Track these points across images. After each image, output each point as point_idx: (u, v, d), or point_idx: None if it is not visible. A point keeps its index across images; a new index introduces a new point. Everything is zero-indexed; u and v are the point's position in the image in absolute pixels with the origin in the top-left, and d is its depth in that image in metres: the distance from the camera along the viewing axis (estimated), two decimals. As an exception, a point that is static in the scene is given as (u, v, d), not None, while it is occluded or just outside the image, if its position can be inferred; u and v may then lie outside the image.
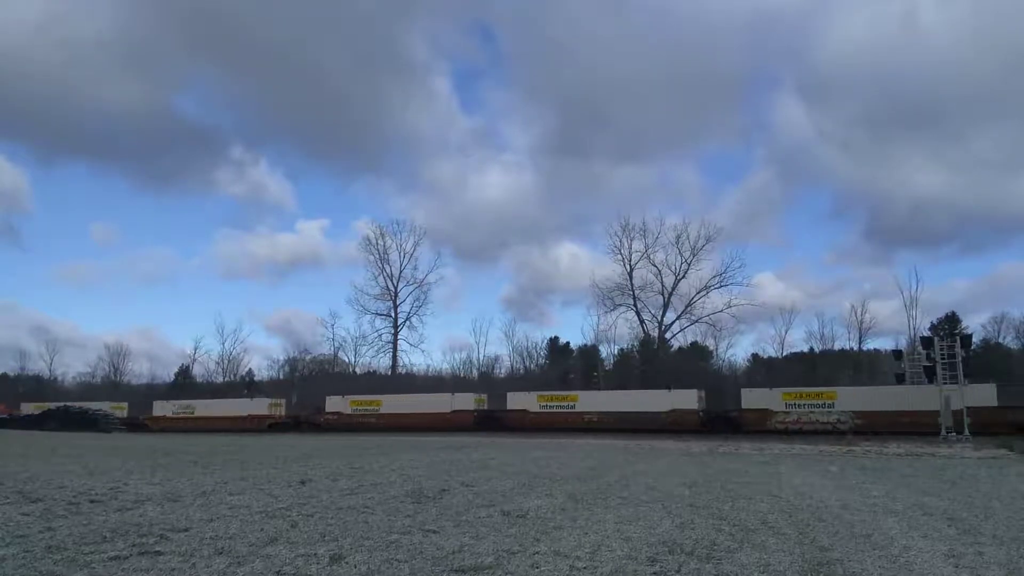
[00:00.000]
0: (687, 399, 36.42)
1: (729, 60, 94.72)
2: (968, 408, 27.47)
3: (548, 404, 40.44)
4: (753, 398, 36.46)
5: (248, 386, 66.77)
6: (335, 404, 45.51)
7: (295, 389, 59.96)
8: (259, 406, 47.95)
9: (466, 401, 42.98)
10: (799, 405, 34.93)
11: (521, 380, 61.12)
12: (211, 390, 66.99)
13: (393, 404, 44.56)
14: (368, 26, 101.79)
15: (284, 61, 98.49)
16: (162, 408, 50.93)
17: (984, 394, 29.62)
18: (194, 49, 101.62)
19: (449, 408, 41.50)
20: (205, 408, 50.12)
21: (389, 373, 65.60)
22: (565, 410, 39.60)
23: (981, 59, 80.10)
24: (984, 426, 27.42)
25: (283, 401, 49.96)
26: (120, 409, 51.54)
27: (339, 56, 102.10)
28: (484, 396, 45.27)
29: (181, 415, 49.68)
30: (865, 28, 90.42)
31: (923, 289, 54.58)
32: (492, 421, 40.56)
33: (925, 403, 29.62)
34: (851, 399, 34.24)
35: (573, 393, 42.84)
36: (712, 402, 39.47)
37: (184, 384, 72.34)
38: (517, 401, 41.68)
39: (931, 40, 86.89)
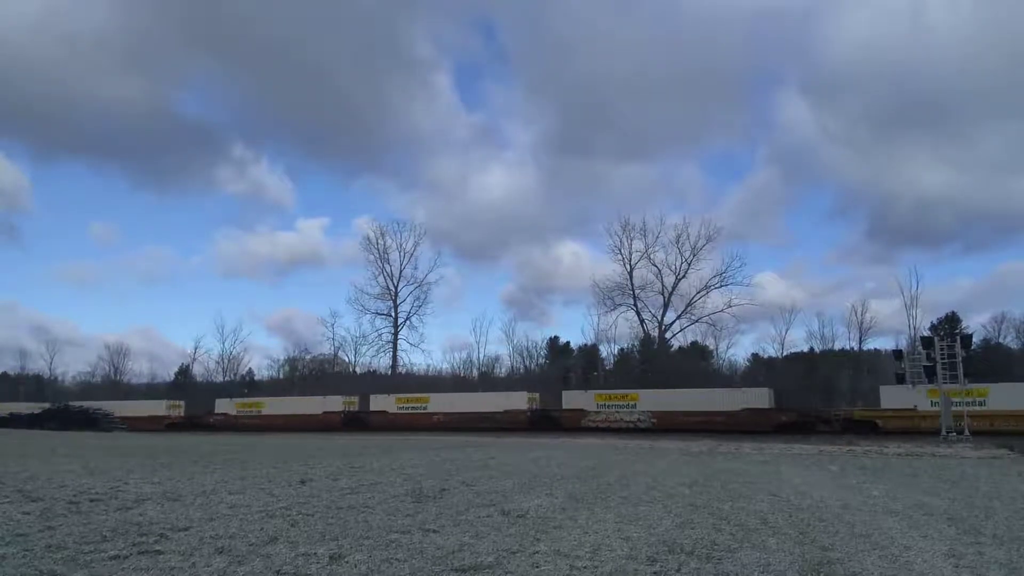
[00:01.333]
0: (519, 401, 41.33)
1: (733, 57, 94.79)
2: (748, 409, 35.24)
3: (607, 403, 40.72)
4: (571, 399, 41.59)
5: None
6: (223, 406, 49.49)
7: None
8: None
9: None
10: (608, 406, 39.68)
11: (520, 380, 61.18)
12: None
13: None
14: (369, 22, 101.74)
15: (285, 58, 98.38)
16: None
17: (761, 396, 36.77)
18: (194, 46, 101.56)
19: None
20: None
21: (389, 372, 65.62)
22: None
23: (988, 56, 79.53)
24: (756, 423, 34.08)
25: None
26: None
27: (340, 52, 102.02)
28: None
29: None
30: (870, 24, 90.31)
31: (926, 289, 54.87)
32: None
33: (713, 404, 36.50)
34: (649, 401, 38.88)
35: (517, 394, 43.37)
36: (549, 403, 43.60)
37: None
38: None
39: (937, 37, 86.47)
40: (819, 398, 50.63)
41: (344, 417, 44.68)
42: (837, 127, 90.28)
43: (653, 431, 35.43)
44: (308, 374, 72.48)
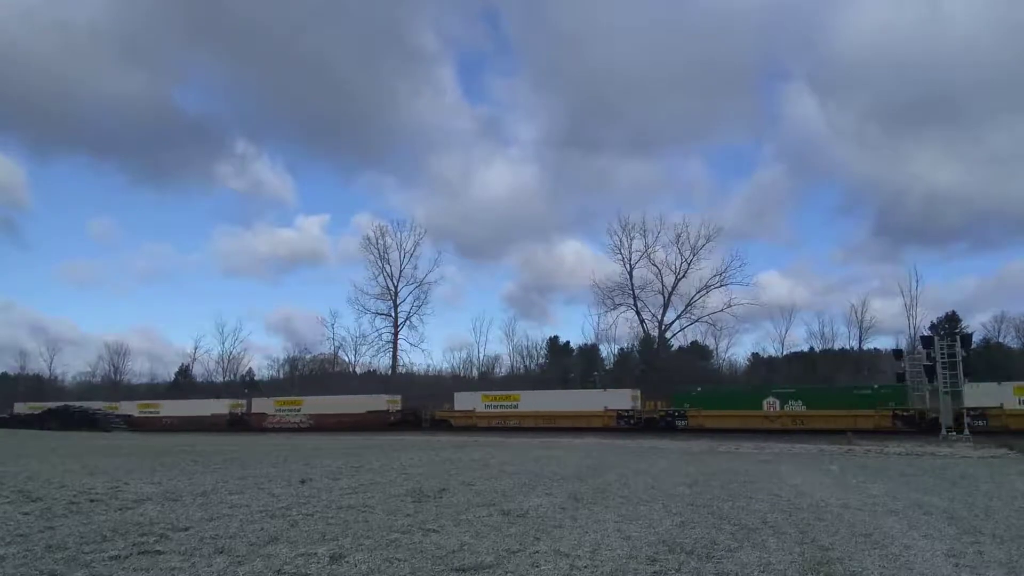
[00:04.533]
0: (378, 402, 45.23)
1: (741, 50, 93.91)
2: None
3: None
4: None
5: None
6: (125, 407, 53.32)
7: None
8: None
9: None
10: (281, 411, 47.28)
11: (520, 379, 61.19)
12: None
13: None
14: (372, 14, 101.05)
15: (285, 51, 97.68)
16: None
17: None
18: (193, 39, 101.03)
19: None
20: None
21: (389, 372, 65.62)
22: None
23: (1006, 48, 78.18)
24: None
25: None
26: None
27: (342, 45, 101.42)
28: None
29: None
30: (883, 14, 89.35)
31: (932, 287, 54.78)
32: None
33: (353, 407, 43.99)
34: (310, 406, 46.72)
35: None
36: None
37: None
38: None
39: (954, 27, 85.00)
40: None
41: (230, 419, 48.32)
42: (845, 122, 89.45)
43: (312, 430, 42.83)
44: (308, 374, 72.48)
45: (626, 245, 61.03)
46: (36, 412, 51.10)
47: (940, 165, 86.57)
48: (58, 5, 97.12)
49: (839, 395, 36.61)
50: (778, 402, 35.89)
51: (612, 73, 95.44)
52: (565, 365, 68.01)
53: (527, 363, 70.09)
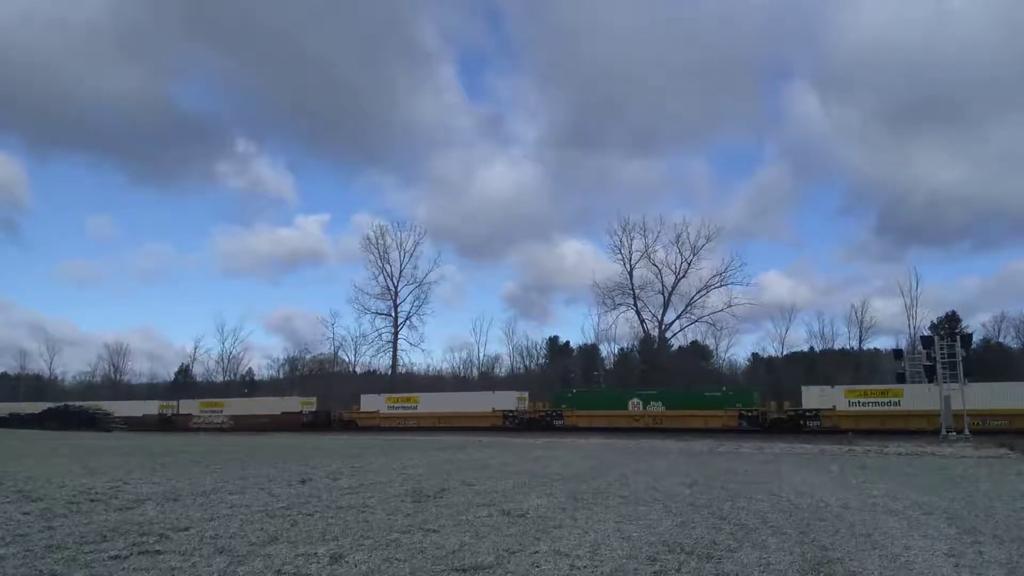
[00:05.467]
0: (292, 404, 47.37)
1: (744, 47, 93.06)
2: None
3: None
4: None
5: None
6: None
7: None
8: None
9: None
10: (205, 412, 49.59)
11: (518, 379, 61.16)
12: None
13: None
14: (373, 10, 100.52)
15: (286, 48, 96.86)
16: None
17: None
18: (193, 36, 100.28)
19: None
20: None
21: (389, 372, 65.60)
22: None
23: (1006, 47, 77.36)
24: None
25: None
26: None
27: (343, 42, 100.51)
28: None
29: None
30: (888, 11, 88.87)
31: (934, 287, 54.74)
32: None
33: (269, 409, 46.33)
34: (231, 407, 49.17)
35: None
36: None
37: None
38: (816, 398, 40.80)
39: (960, 24, 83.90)
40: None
41: (159, 419, 50.19)
42: (848, 121, 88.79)
43: (233, 430, 44.45)
44: (308, 374, 72.46)
45: (626, 245, 61.10)
46: (36, 412, 51.14)
47: (943, 164, 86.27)
48: (57, 3, 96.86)
49: (693, 397, 39.16)
50: (641, 403, 38.63)
51: (614, 71, 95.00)
52: (565, 365, 68.00)
53: (527, 363, 70.18)
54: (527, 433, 35.21)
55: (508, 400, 41.58)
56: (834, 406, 34.54)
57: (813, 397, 35.40)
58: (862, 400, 34.75)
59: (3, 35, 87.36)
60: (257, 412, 46.81)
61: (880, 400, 34.41)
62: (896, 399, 33.92)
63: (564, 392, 43.09)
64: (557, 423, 38.85)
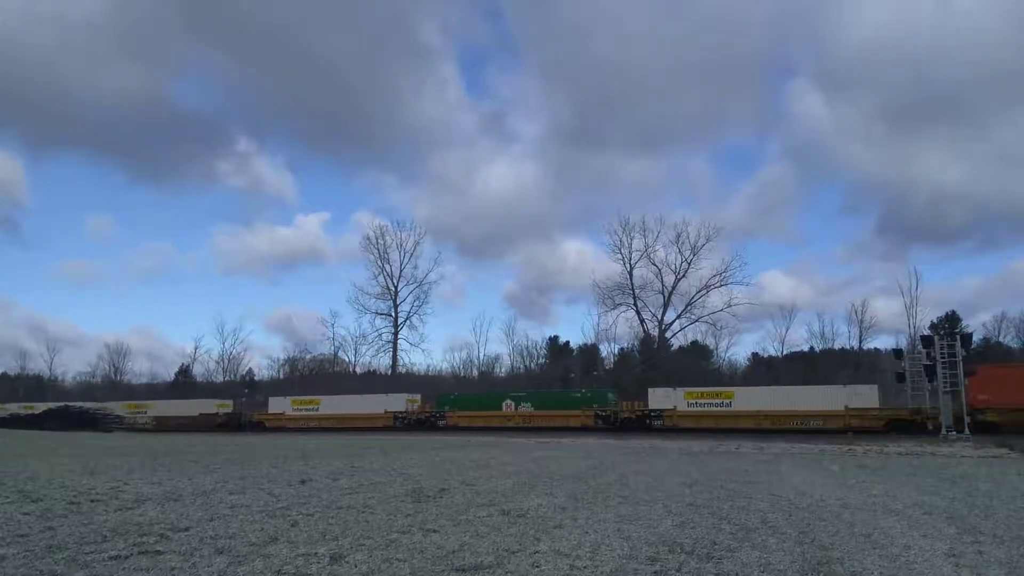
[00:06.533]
0: (208, 406, 50.21)
1: (747, 47, 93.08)
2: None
3: None
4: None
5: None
6: None
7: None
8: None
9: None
10: (131, 413, 51.67)
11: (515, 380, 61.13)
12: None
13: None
14: (373, 7, 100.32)
15: (286, 45, 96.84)
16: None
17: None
18: (192, 33, 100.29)
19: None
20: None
21: (389, 372, 65.60)
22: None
23: (1010, 44, 77.03)
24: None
25: None
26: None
27: (344, 39, 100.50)
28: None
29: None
30: (889, 13, 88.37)
31: (937, 287, 54.61)
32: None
33: (187, 410, 49.14)
34: (155, 409, 51.71)
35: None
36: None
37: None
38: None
39: (957, 25, 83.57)
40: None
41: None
42: (851, 119, 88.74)
43: (156, 431, 46.16)
44: (308, 374, 72.46)
45: (626, 245, 61.23)
46: (36, 412, 51.22)
47: (946, 163, 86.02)
48: (56, 0, 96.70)
49: (558, 398, 42.54)
50: (514, 404, 41.31)
51: (616, 69, 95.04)
52: (565, 365, 68.00)
53: (527, 363, 70.20)
54: (415, 432, 37.43)
55: (400, 402, 44.07)
56: (675, 407, 36.52)
57: (658, 398, 37.38)
58: (699, 401, 36.74)
59: (2, 32, 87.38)
60: (177, 413, 49.62)
61: (714, 401, 36.44)
62: (728, 400, 36.11)
63: (447, 395, 46.11)
64: (441, 423, 41.32)
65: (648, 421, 36.28)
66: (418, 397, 46.00)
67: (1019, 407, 28.64)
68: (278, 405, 47.96)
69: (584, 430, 35.94)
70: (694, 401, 36.60)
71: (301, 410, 46.72)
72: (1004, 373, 31.69)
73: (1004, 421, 28.69)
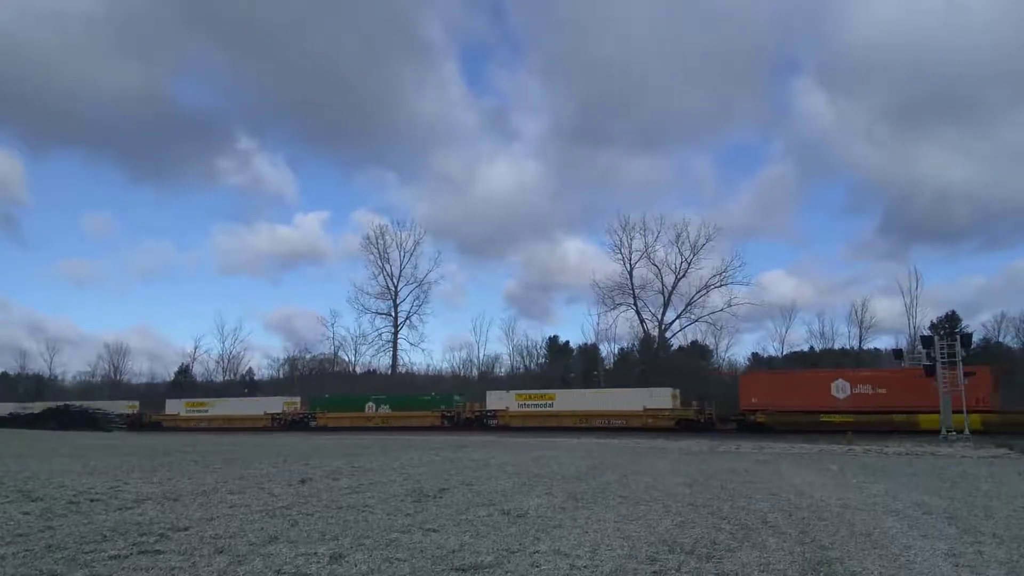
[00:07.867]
0: (119, 407, 52.32)
1: (750, 44, 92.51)
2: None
3: None
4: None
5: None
6: None
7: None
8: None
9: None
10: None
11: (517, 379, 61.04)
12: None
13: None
14: (374, 4, 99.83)
15: (286, 43, 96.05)
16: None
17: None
18: (192, 31, 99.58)
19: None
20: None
21: (389, 372, 65.60)
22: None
23: (1015, 42, 76.63)
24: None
25: None
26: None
27: (343, 37, 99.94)
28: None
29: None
30: (894, 10, 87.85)
31: (939, 287, 54.56)
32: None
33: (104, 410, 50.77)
34: (118, 408, 52.55)
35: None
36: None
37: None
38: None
39: (962, 23, 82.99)
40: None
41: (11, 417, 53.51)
42: (855, 118, 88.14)
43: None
44: (308, 374, 72.45)
45: (626, 244, 61.17)
46: (35, 412, 51.23)
47: (950, 162, 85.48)
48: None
49: (411, 400, 45.56)
50: (375, 406, 44.52)
51: (619, 67, 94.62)
52: (565, 365, 67.96)
53: (527, 363, 70.15)
54: (289, 433, 40.01)
55: (277, 404, 47.92)
56: (507, 407, 39.94)
57: (495, 400, 40.84)
58: (527, 403, 40.00)
59: (0, 29, 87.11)
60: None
61: (539, 403, 39.77)
62: (550, 402, 39.71)
63: (319, 397, 49.04)
64: (312, 424, 44.82)
65: (485, 420, 40.05)
66: (297, 400, 49.58)
67: (784, 409, 32.48)
68: (174, 407, 51.57)
69: (432, 428, 39.64)
70: (523, 402, 39.97)
71: (193, 412, 50.62)
72: (772, 379, 37.28)
73: (772, 422, 32.40)
